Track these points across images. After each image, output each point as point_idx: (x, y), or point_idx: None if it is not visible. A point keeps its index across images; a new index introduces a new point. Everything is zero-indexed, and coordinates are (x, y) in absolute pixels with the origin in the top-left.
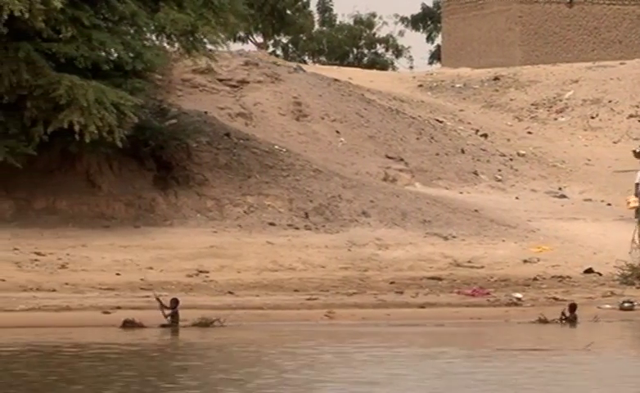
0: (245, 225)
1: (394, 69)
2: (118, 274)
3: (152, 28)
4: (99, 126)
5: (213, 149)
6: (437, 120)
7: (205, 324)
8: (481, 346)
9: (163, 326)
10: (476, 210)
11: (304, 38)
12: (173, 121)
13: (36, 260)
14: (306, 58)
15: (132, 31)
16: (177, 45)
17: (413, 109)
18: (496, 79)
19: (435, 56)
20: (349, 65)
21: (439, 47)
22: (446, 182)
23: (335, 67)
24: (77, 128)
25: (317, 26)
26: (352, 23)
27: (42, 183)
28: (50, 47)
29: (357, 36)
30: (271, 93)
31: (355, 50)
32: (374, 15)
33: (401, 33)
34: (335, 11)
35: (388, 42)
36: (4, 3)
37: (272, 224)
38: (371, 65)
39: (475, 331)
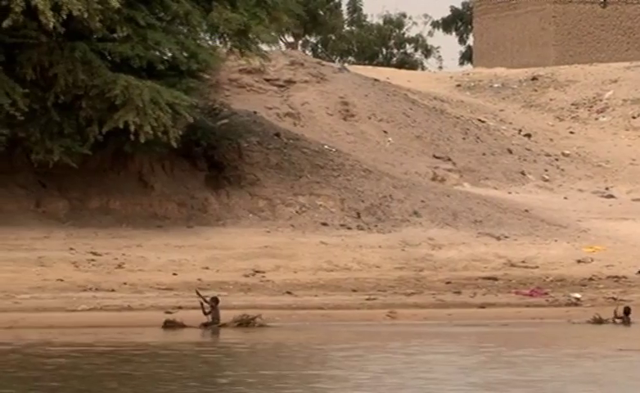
0: (297, 225)
1: (422, 69)
2: (175, 274)
3: (205, 27)
4: (154, 126)
5: (263, 149)
6: (479, 120)
7: (245, 323)
8: (592, 347)
9: (204, 325)
10: (526, 210)
11: (334, 37)
12: (225, 121)
13: (92, 260)
14: (334, 58)
15: (185, 30)
16: (229, 44)
17: (454, 109)
18: (534, 78)
19: (466, 57)
20: (378, 64)
21: (469, 47)
22: (494, 183)
23: (369, 67)
24: (132, 128)
25: (345, 26)
26: (381, 23)
27: (95, 183)
28: (105, 47)
29: (386, 36)
30: (317, 93)
31: (384, 50)
32: (404, 16)
33: (430, 34)
34: (364, 12)
35: (417, 42)
36: (63, 3)
37: (324, 224)
38: (401, 65)
39: (550, 331)
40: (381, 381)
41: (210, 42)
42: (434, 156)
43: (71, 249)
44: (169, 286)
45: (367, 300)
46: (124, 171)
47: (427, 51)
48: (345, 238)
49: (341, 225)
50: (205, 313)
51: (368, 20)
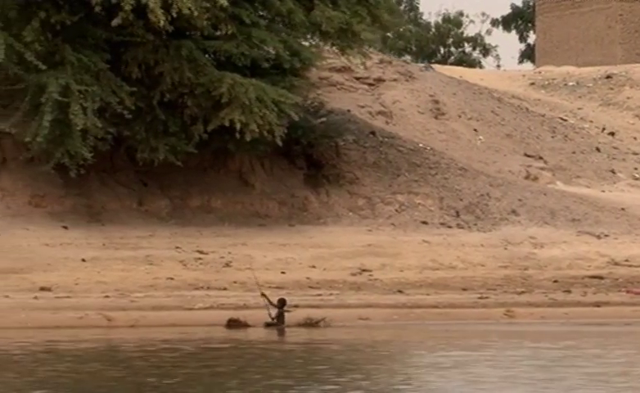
0: (398, 224)
1: (480, 67)
2: (283, 273)
3: (308, 25)
4: (259, 124)
5: (360, 147)
6: (561, 119)
7: (310, 324)
8: None
9: (268, 325)
10: (623, 209)
11: (391, 35)
12: (323, 119)
13: (199, 259)
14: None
15: (285, 29)
16: (329, 43)
17: (533, 107)
18: (608, 77)
19: (526, 55)
20: (436, 63)
21: (529, 45)
22: (586, 181)
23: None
24: (238, 126)
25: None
26: (440, 21)
27: (196, 182)
28: (211, 45)
29: (445, 35)
30: (407, 92)
31: (442, 49)
32: (461, 14)
33: (488, 32)
34: (421, 10)
35: (476, 41)
36: (173, 1)
37: (424, 223)
38: (459, 64)
39: None
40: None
41: (310, 41)
42: (526, 155)
43: (177, 247)
44: (279, 284)
45: (480, 298)
46: (224, 170)
47: (485, 50)
48: (447, 237)
49: (441, 224)
50: (271, 315)
51: (424, 18)
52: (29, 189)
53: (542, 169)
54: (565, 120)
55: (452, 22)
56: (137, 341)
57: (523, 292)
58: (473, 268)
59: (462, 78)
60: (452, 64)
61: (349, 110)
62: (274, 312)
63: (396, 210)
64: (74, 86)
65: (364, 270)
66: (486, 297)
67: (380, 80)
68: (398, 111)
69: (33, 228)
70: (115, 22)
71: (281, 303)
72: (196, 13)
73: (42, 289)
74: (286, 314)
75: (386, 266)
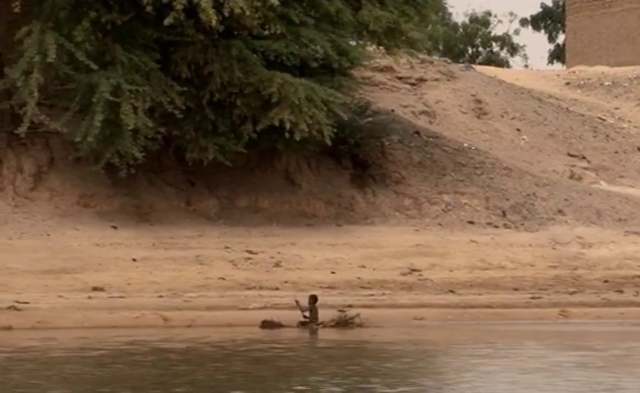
0: (445, 223)
1: (508, 67)
2: (333, 273)
3: (355, 25)
4: (309, 124)
5: (405, 147)
6: (600, 118)
7: (343, 323)
8: None
9: (300, 324)
10: None
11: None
12: (370, 119)
13: (249, 259)
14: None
15: (332, 28)
16: (376, 43)
17: (571, 107)
18: None
19: (555, 55)
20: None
21: (558, 45)
22: (629, 181)
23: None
24: (287, 126)
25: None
26: (467, 21)
27: (243, 182)
28: (260, 45)
29: (473, 34)
30: (450, 91)
31: (470, 49)
32: (489, 14)
33: (516, 32)
34: (449, 10)
35: (504, 40)
36: (225, 0)
37: (471, 223)
38: (487, 64)
39: None
40: None
41: (357, 41)
42: (569, 155)
43: (227, 247)
44: (330, 284)
45: (532, 298)
46: (271, 169)
47: (513, 50)
48: (494, 237)
49: (488, 223)
50: (303, 313)
51: (452, 18)
52: (78, 189)
53: (585, 168)
54: (604, 120)
55: (480, 22)
56: (209, 340)
57: (575, 292)
58: (522, 268)
59: (496, 78)
60: (479, 64)
61: (392, 110)
62: (308, 311)
63: (443, 210)
64: (125, 86)
65: (414, 270)
66: (539, 297)
67: (422, 80)
68: (441, 111)
69: (83, 228)
70: (167, 21)
71: (313, 300)
72: (247, 13)
73: (95, 289)
74: (319, 313)
75: (435, 266)
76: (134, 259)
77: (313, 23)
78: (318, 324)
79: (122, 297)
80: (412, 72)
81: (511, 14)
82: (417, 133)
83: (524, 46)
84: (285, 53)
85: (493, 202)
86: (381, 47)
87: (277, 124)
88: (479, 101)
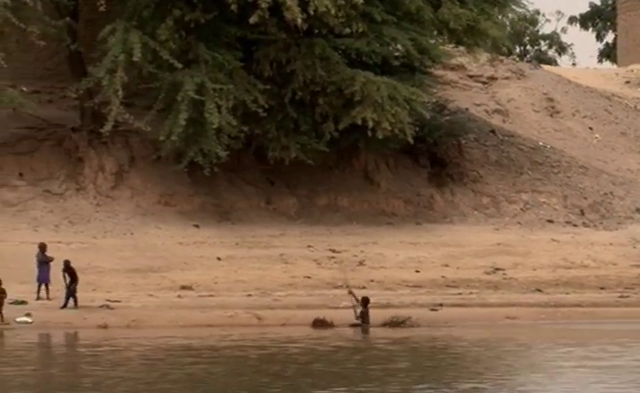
0: (524, 222)
1: (556, 65)
2: (417, 271)
3: (436, 23)
4: (391, 122)
5: (481, 146)
6: None
7: (395, 324)
8: None
9: (353, 325)
10: None
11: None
12: (447, 118)
13: (332, 258)
14: None
15: (415, 27)
16: (454, 41)
17: (637, 106)
18: None
19: (605, 54)
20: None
21: (607, 44)
22: None
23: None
24: (370, 124)
25: None
26: (515, 19)
27: (322, 181)
28: (343, 43)
29: (521, 33)
30: (521, 90)
31: (518, 47)
32: (537, 13)
33: (564, 30)
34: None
35: (552, 39)
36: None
37: (550, 221)
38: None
39: None
40: None
41: (437, 39)
42: None
43: (309, 246)
44: (416, 283)
45: (621, 297)
46: (350, 168)
47: (561, 48)
48: (575, 236)
49: (567, 222)
50: (356, 315)
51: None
52: (158, 188)
53: None
54: None
55: (528, 20)
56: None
57: None
58: (605, 266)
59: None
60: (528, 62)
61: (467, 109)
62: (358, 311)
63: (521, 209)
64: (209, 84)
65: (497, 269)
66: (627, 296)
67: (492, 78)
68: (514, 109)
69: (165, 227)
70: (253, 20)
71: (365, 302)
72: (333, 11)
73: (183, 288)
74: (370, 314)
75: (518, 265)
76: (219, 258)
77: (394, 21)
78: (369, 325)
79: (211, 296)
80: (483, 70)
81: (558, 13)
82: (493, 131)
83: (571, 44)
84: (367, 51)
85: (571, 201)
86: (460, 46)
87: (359, 122)
88: (550, 100)
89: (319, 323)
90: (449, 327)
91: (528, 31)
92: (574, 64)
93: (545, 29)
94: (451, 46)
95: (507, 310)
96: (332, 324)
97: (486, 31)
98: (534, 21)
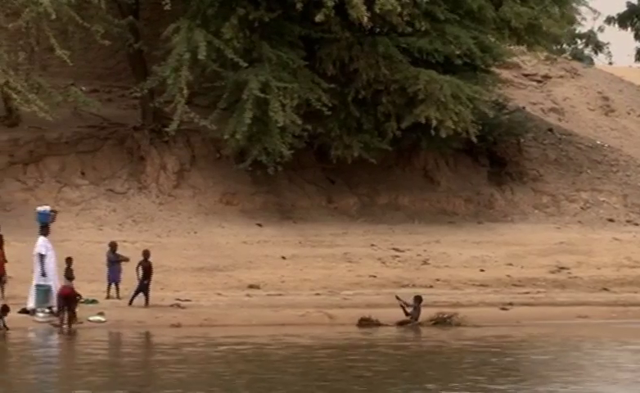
0: (584, 221)
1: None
2: (482, 270)
3: (497, 21)
4: (455, 121)
5: (539, 144)
6: None
7: (442, 322)
8: None
9: (400, 324)
10: None
11: None
12: (507, 116)
13: (397, 256)
14: None
15: (476, 25)
16: (515, 39)
17: None
18: None
19: None
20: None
21: None
22: None
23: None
24: (434, 123)
25: None
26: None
27: (382, 180)
28: (406, 42)
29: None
30: (576, 88)
31: (554, 46)
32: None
33: (601, 29)
34: None
35: (589, 38)
36: None
37: (610, 220)
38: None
39: None
40: None
41: (496, 38)
42: None
43: (372, 245)
44: (481, 282)
45: None
46: (409, 167)
47: (598, 47)
48: (637, 235)
49: (627, 221)
50: (406, 313)
51: None
52: (220, 187)
53: None
54: None
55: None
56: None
57: None
58: None
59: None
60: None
61: (523, 107)
62: (409, 309)
63: (581, 208)
64: (274, 83)
65: (562, 268)
66: None
67: (547, 77)
68: (569, 108)
69: (229, 226)
70: (318, 18)
71: (418, 300)
72: (398, 10)
73: (251, 287)
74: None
75: (582, 264)
76: (283, 257)
77: (456, 20)
78: (417, 323)
79: (280, 295)
80: (537, 69)
81: (594, 12)
82: (550, 130)
83: (608, 43)
84: (429, 50)
85: (631, 200)
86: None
87: (422, 121)
88: (605, 99)
89: (365, 322)
90: (517, 326)
91: (565, 30)
92: (610, 63)
93: (582, 28)
94: (509, 44)
95: (577, 309)
96: (379, 323)
97: (548, 29)
98: (570, 20)
